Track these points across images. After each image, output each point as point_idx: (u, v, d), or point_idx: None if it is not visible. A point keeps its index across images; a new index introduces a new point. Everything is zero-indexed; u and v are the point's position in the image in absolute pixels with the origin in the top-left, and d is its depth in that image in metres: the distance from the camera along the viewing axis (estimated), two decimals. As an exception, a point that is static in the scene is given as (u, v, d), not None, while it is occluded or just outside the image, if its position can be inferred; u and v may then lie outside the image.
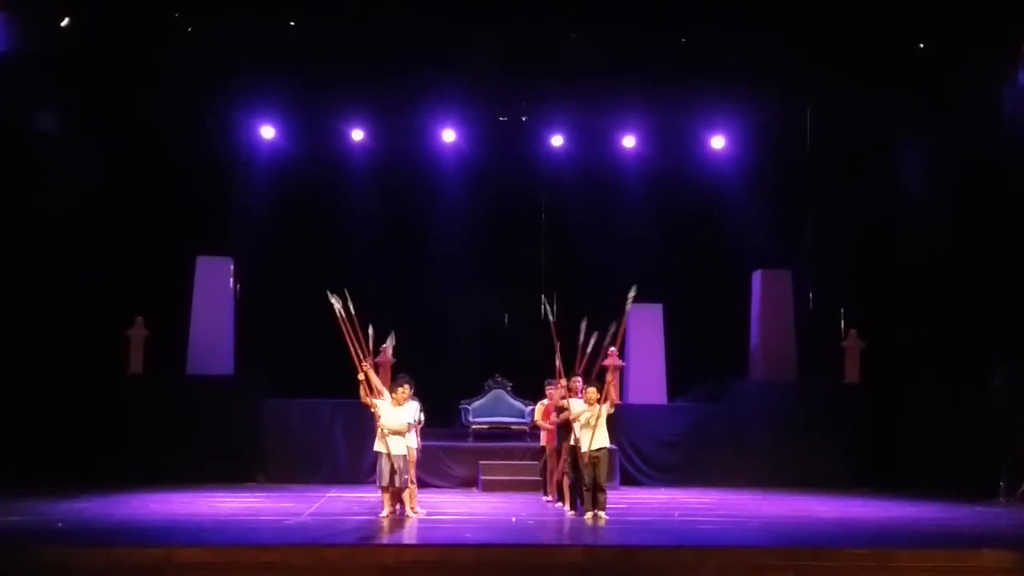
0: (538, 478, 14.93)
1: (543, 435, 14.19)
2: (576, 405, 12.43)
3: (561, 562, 9.82)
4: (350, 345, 12.18)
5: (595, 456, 12.08)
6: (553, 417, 13.38)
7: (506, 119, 19.05)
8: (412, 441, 12.32)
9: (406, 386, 12.15)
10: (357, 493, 14.82)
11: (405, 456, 12.05)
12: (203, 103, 17.70)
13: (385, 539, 10.85)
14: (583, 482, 12.21)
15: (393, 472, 11.90)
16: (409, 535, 11.09)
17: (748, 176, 18.84)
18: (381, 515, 12.13)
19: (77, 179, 17.12)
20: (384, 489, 12.11)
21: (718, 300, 18.60)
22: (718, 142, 18.97)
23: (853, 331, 17.67)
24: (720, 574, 9.57)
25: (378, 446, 12.06)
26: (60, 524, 11.19)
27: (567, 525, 12.04)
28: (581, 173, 19.15)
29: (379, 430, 12.04)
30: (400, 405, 12.08)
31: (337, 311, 12.23)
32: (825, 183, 18.75)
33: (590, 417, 12.12)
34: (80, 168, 17.07)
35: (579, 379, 12.95)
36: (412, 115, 18.53)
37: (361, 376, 12.09)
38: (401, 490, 12.14)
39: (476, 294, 20.06)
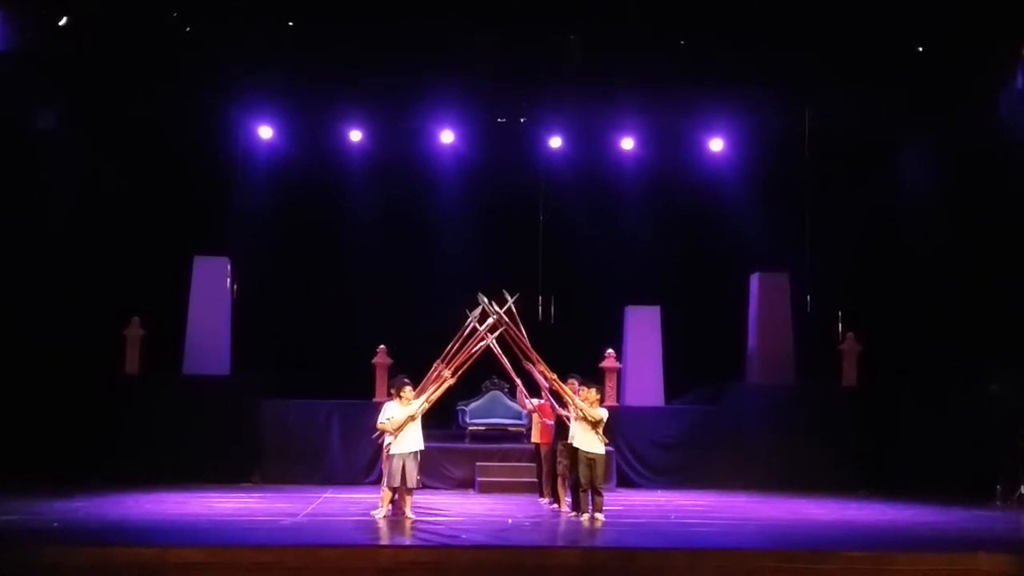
0: (534, 480, 14.88)
1: (537, 433, 14.13)
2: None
3: (557, 564, 9.82)
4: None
5: (590, 458, 12.07)
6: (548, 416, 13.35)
7: (505, 120, 19.04)
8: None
9: (408, 387, 12.20)
10: (353, 494, 14.81)
11: (416, 455, 12.05)
12: (201, 102, 17.66)
13: (381, 540, 10.83)
14: (580, 484, 12.21)
15: (405, 472, 11.89)
16: (405, 536, 11.07)
17: (746, 178, 18.83)
18: (378, 516, 12.13)
19: (74, 178, 17.11)
20: (394, 490, 12.11)
21: (716, 302, 18.57)
22: (716, 144, 18.97)
23: (850, 334, 17.65)
24: (717, 576, 9.58)
25: (396, 447, 12.04)
26: (56, 523, 11.20)
27: (563, 527, 12.02)
28: (579, 175, 19.13)
29: (394, 431, 12.03)
30: (407, 405, 12.10)
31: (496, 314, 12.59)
32: (823, 186, 18.73)
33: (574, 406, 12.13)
34: (77, 167, 17.07)
35: (576, 380, 12.91)
36: (410, 116, 18.51)
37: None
38: (412, 490, 12.15)
39: (473, 295, 19.99)
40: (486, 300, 12.94)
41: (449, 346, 12.81)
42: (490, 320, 12.90)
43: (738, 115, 18.38)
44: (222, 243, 17.75)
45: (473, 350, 12.73)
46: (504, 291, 13.21)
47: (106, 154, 17.23)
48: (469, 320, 12.92)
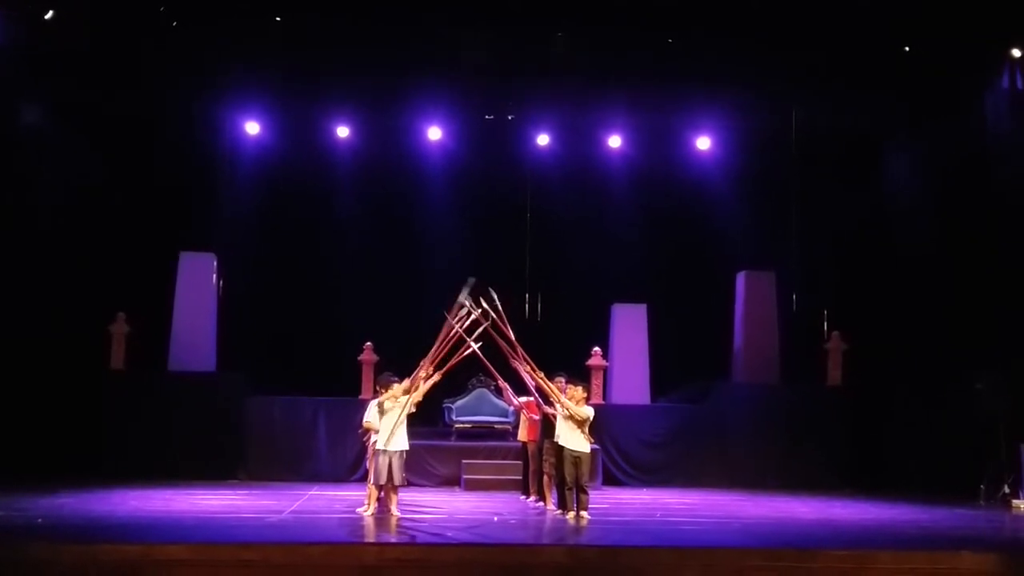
0: (520, 478, 14.85)
1: (524, 431, 14.13)
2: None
3: (543, 562, 9.82)
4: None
5: (576, 456, 12.09)
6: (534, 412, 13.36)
7: (492, 118, 19.02)
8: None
9: (396, 384, 12.16)
10: (339, 491, 14.79)
11: (402, 452, 12.02)
12: (188, 98, 17.64)
13: (367, 537, 10.82)
14: (565, 482, 12.21)
15: (391, 469, 11.87)
16: (391, 533, 11.06)
17: (733, 177, 18.89)
18: (365, 513, 12.13)
19: (60, 174, 17.04)
20: (380, 487, 12.09)
21: (702, 301, 18.62)
22: (703, 143, 19.00)
23: (836, 333, 17.71)
24: (702, 575, 9.59)
25: (381, 444, 11.99)
26: (40, 520, 11.15)
27: (549, 525, 12.03)
28: (567, 173, 19.14)
29: (382, 429, 11.99)
30: (394, 403, 12.07)
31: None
32: (810, 185, 18.78)
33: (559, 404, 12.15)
34: (63, 163, 16.99)
35: (562, 379, 12.90)
36: (398, 113, 18.48)
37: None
38: (397, 488, 12.13)
39: (458, 291, 19.95)
40: (469, 301, 12.90)
41: (434, 348, 12.77)
42: (471, 314, 12.83)
43: (725, 114, 18.40)
44: (208, 239, 17.70)
45: (460, 351, 12.70)
46: (490, 288, 13.15)
47: (92, 149, 17.16)
48: (455, 322, 12.87)
